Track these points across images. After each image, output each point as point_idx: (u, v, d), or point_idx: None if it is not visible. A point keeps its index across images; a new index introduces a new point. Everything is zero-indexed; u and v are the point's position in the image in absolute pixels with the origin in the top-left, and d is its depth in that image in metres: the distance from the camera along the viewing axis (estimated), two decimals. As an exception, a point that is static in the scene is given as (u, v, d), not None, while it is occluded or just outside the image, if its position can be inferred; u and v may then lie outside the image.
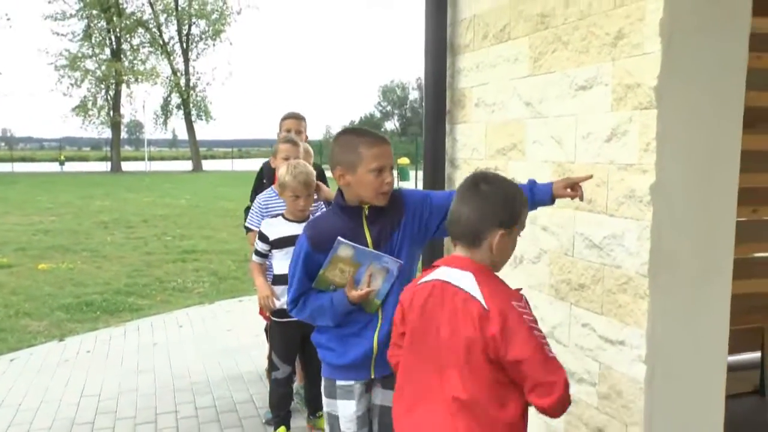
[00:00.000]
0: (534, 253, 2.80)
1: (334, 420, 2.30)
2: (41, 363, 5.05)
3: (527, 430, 1.74)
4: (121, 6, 41.98)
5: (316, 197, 3.49)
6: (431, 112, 3.52)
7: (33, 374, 4.79)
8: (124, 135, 61.39)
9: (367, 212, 2.19)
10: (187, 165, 47.48)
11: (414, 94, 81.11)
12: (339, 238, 2.13)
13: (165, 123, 47.84)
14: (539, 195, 2.22)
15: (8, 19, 46.25)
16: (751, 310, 3.41)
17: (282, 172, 3.30)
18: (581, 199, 2.25)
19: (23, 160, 55.83)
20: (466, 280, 1.71)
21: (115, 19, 41.47)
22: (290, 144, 3.74)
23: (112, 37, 43.32)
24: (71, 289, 7.63)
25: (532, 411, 1.72)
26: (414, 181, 26.17)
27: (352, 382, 2.26)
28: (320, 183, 3.57)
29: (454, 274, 1.73)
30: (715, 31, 2.12)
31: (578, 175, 2.32)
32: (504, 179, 1.84)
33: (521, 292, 1.75)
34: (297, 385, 3.92)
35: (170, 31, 45.81)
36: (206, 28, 45.80)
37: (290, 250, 2.55)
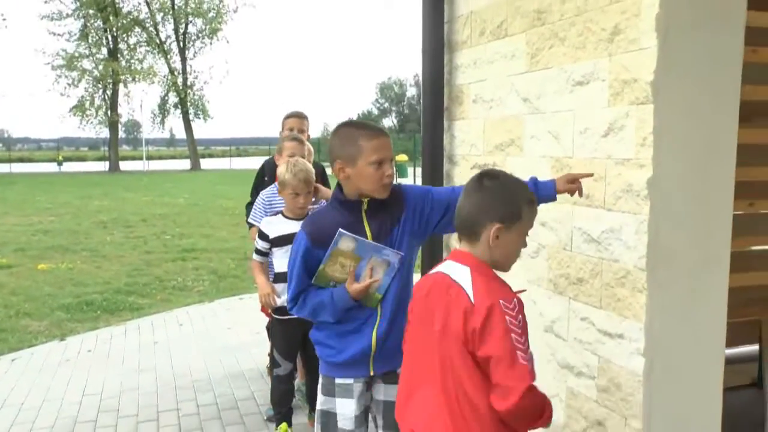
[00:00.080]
0: (533, 248, 2.82)
1: (328, 418, 2.28)
2: (42, 362, 5.06)
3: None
4: (117, 5, 41.88)
5: (314, 199, 3.50)
6: (429, 109, 3.53)
7: (35, 374, 4.80)
8: (121, 134, 61.47)
9: (366, 206, 2.18)
10: (185, 164, 47.44)
11: (412, 91, 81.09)
12: (340, 229, 2.12)
13: (162, 122, 47.83)
14: (543, 191, 2.22)
15: (4, 19, 46.07)
16: (748, 302, 3.43)
17: (282, 170, 3.31)
18: (580, 194, 2.27)
19: (21, 160, 55.70)
20: (462, 274, 1.73)
21: (111, 18, 41.37)
22: (296, 142, 3.77)
23: (109, 37, 43.23)
24: (71, 289, 7.64)
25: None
26: (412, 178, 26.17)
27: (351, 380, 2.25)
28: (318, 185, 3.58)
29: (454, 268, 1.77)
30: (711, 25, 2.14)
31: (578, 171, 2.34)
32: (509, 176, 1.85)
33: (520, 293, 1.75)
34: (298, 381, 3.94)
35: (167, 30, 45.74)
36: (203, 27, 45.75)
37: (290, 248, 2.56)
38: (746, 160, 2.46)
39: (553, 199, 2.26)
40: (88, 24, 42.55)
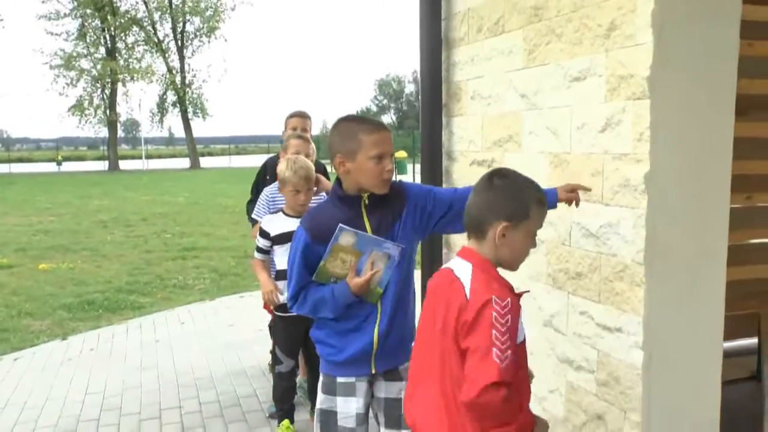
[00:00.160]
0: (531, 244, 2.83)
1: (328, 417, 2.26)
2: (45, 362, 5.08)
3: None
4: (115, 4, 41.84)
5: (316, 189, 3.51)
6: (427, 106, 3.54)
7: (37, 373, 4.82)
8: (120, 134, 61.40)
9: (366, 201, 2.17)
10: (184, 162, 47.45)
11: (410, 88, 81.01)
12: (341, 224, 2.11)
13: (161, 121, 47.83)
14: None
15: (1, 20, 46.01)
16: (746, 296, 3.44)
17: (282, 167, 3.33)
18: (577, 204, 2.31)
19: (20, 160, 55.61)
20: (464, 271, 1.75)
21: (109, 17, 41.34)
22: (302, 140, 3.80)
23: (107, 36, 43.21)
24: (72, 289, 7.66)
25: (532, 404, 1.77)
26: (412, 175, 26.17)
27: (353, 379, 2.24)
28: (320, 175, 3.61)
29: (459, 264, 1.78)
30: (706, 20, 2.15)
31: (576, 167, 2.36)
32: (519, 175, 1.84)
33: (522, 294, 1.77)
34: (300, 378, 3.96)
35: (165, 29, 45.71)
36: (201, 25, 45.71)
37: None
38: (743, 154, 2.48)
39: (553, 206, 2.28)
40: (86, 23, 42.52)
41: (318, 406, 2.30)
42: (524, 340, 1.79)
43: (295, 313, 2.37)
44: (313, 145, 3.88)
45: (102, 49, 43.58)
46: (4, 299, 7.15)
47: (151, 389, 4.39)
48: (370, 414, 2.34)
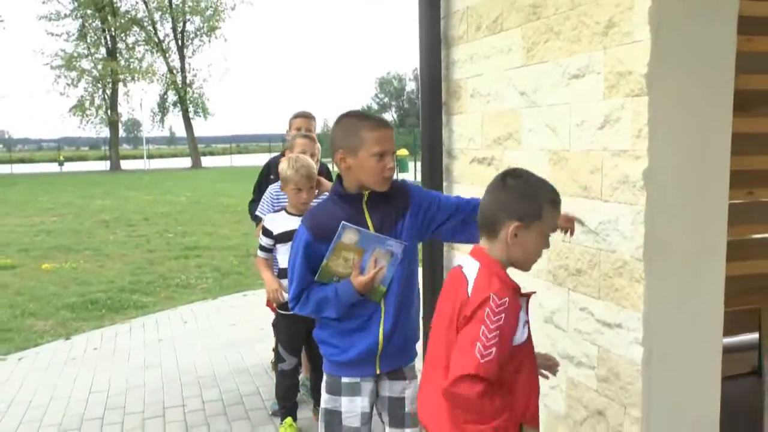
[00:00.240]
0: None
1: (332, 416, 2.25)
2: (49, 361, 5.11)
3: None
4: (115, 5, 41.89)
5: (317, 192, 3.53)
6: (427, 104, 3.55)
7: (41, 372, 4.85)
8: (122, 133, 61.50)
9: (367, 198, 2.17)
10: (186, 162, 47.53)
11: (411, 86, 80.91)
12: (343, 222, 2.10)
13: (162, 120, 47.91)
14: None
15: (2, 21, 46.13)
16: (748, 291, 3.45)
17: (283, 166, 3.34)
18: (572, 234, 2.31)
19: (22, 161, 55.79)
20: (471, 269, 1.76)
21: (109, 18, 41.42)
22: (307, 139, 3.81)
23: (107, 36, 43.31)
24: (75, 288, 7.69)
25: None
26: (413, 173, 26.17)
27: (357, 379, 2.23)
28: (320, 178, 3.62)
29: (468, 263, 1.80)
30: (703, 17, 2.15)
31: (576, 165, 2.37)
32: (533, 175, 1.83)
33: (529, 295, 1.78)
34: (303, 376, 3.97)
35: (165, 29, 45.81)
36: (201, 25, 45.79)
37: None
38: (744, 149, 2.48)
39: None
40: (87, 24, 42.61)
41: (322, 405, 2.30)
42: (527, 342, 1.79)
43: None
44: (318, 144, 3.90)
45: (103, 50, 43.68)
46: (8, 299, 7.18)
47: (154, 388, 4.42)
48: (375, 412, 2.35)
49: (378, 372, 2.24)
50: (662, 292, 2.24)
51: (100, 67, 42.33)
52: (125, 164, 45.02)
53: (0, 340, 5.69)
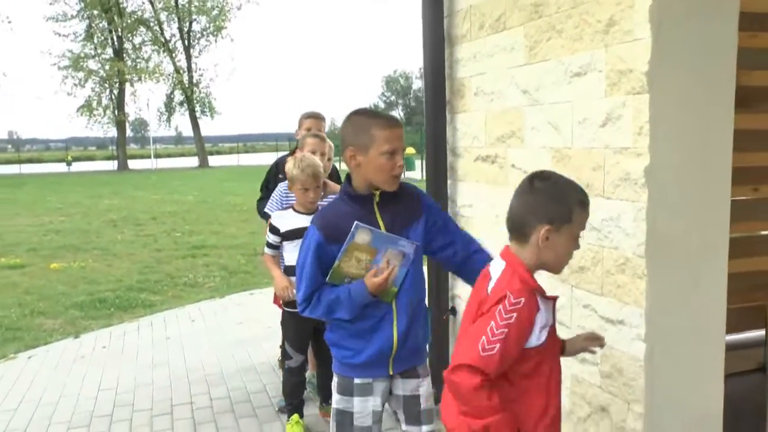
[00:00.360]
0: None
1: (344, 417, 2.24)
2: (58, 359, 5.16)
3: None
4: (121, 5, 42.06)
5: (323, 195, 3.55)
6: (431, 102, 3.57)
7: (51, 371, 4.90)
8: (129, 133, 61.90)
9: (378, 199, 2.16)
10: (193, 161, 47.72)
11: (418, 84, 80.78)
12: (357, 222, 2.08)
13: (169, 120, 48.09)
14: None
15: (9, 22, 46.43)
16: (753, 288, 3.44)
17: (290, 165, 3.37)
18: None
19: (30, 161, 56.11)
20: (497, 269, 1.79)
21: (116, 18, 41.60)
22: (318, 139, 3.83)
23: (114, 37, 43.52)
24: (84, 287, 7.75)
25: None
26: (420, 171, 26.15)
27: (370, 380, 2.22)
28: (326, 180, 3.64)
29: (495, 262, 1.83)
30: (704, 15, 2.16)
31: (578, 162, 2.38)
32: (561, 177, 1.82)
33: (552, 299, 1.79)
34: (309, 373, 4.00)
35: (171, 29, 45.96)
36: (207, 25, 45.92)
37: (300, 242, 2.58)
38: (748, 146, 2.49)
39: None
40: (93, 24, 42.82)
41: (334, 405, 2.29)
42: (546, 347, 1.77)
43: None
44: (329, 142, 3.92)
45: (109, 50, 43.88)
46: (18, 298, 7.24)
47: (162, 386, 4.46)
48: (389, 411, 2.35)
49: (391, 374, 2.23)
50: (664, 288, 2.25)
51: (107, 67, 42.56)
52: (133, 164, 45.25)
53: (10, 339, 5.74)
